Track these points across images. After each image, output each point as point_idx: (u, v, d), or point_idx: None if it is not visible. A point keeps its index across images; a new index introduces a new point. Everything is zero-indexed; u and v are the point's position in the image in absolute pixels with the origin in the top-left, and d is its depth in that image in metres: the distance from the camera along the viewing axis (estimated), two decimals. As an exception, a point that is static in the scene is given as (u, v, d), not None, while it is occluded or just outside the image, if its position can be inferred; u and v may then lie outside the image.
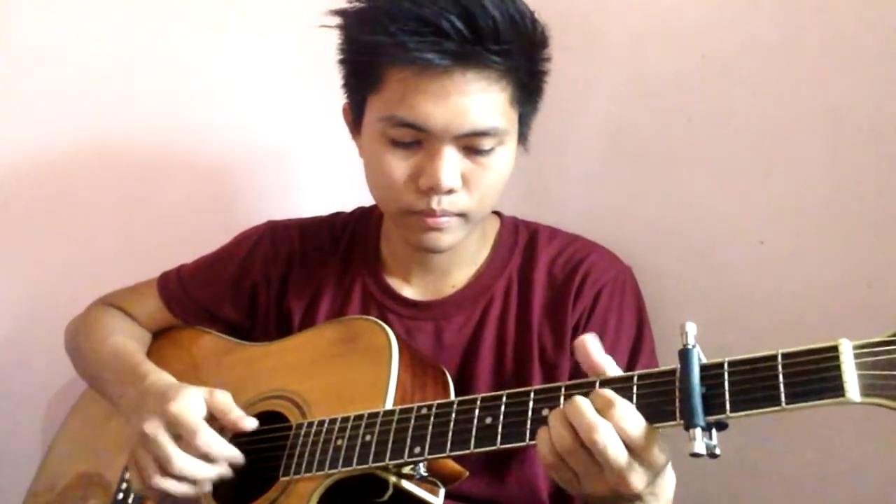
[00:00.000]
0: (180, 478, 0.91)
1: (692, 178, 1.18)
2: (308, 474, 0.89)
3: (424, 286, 1.09)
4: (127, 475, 1.06)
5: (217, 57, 1.36)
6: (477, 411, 0.81)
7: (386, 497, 0.87)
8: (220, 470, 0.93)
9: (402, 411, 0.86)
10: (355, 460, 0.86)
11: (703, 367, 0.72)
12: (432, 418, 0.83)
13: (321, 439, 0.90)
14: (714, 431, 0.70)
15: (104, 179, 1.36)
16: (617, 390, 0.74)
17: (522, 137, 1.01)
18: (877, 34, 1.01)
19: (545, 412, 0.77)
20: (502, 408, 0.80)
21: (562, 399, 0.77)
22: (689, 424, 0.69)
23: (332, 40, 0.99)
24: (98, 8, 1.31)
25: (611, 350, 0.80)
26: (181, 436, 0.91)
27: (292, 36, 1.36)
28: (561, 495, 1.04)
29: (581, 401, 0.74)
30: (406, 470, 0.86)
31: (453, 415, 0.82)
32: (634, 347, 1.04)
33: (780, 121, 1.09)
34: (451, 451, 0.81)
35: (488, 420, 0.80)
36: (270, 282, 1.14)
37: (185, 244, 1.23)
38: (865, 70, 1.02)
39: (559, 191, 1.30)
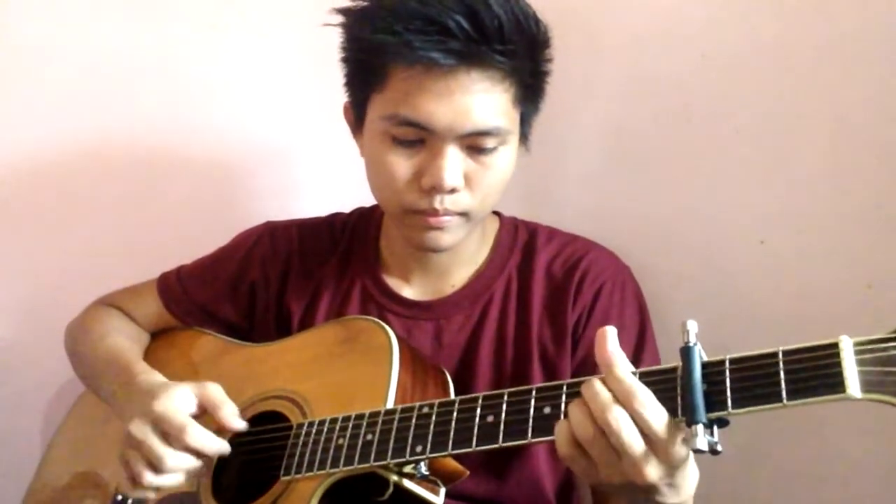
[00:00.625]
0: (174, 473, 0.91)
1: (692, 178, 1.18)
2: (309, 473, 0.89)
3: (424, 286, 1.09)
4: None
5: (217, 57, 1.36)
6: (478, 410, 0.81)
7: (386, 496, 0.87)
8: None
9: (403, 410, 0.86)
10: (357, 459, 0.86)
11: (705, 365, 0.72)
12: (434, 417, 0.83)
13: (322, 438, 0.90)
14: (716, 428, 0.70)
15: (104, 179, 1.36)
16: None
17: (524, 137, 1.02)
18: (877, 34, 1.01)
19: (547, 410, 0.77)
20: (504, 406, 0.80)
21: (563, 398, 0.77)
22: (691, 421, 0.69)
23: (332, 40, 0.99)
24: (98, 8, 1.31)
25: None
26: (168, 433, 0.91)
27: (292, 36, 1.36)
28: (566, 493, 1.04)
29: (597, 383, 0.74)
30: (407, 469, 0.86)
31: (455, 413, 0.82)
32: (638, 345, 1.04)
33: (780, 121, 1.09)
34: (453, 449, 0.81)
35: (490, 418, 0.80)
36: (269, 282, 1.14)
37: (185, 244, 1.23)
38: (865, 70, 1.02)
39: (559, 191, 1.30)
